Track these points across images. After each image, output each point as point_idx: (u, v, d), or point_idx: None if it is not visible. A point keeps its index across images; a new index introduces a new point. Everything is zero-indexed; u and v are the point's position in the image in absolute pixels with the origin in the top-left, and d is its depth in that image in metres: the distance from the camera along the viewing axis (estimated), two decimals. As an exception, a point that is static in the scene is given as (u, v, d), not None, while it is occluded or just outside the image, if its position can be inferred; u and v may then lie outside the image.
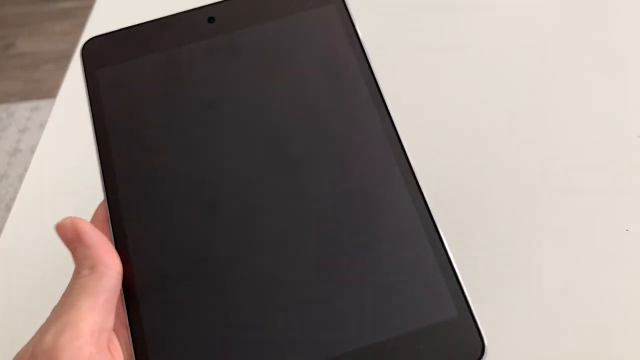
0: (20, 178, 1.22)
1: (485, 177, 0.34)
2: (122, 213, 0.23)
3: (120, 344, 0.21)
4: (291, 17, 0.25)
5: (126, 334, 0.22)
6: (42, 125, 1.31)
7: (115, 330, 0.21)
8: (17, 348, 0.20)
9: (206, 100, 0.24)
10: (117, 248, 0.22)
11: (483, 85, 0.40)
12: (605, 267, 0.29)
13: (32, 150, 1.27)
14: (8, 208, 1.17)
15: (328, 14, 0.25)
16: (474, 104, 0.39)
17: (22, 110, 1.36)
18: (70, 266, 0.22)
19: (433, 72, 0.41)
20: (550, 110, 0.38)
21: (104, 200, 0.23)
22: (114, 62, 0.25)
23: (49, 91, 1.36)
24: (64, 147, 0.41)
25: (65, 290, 0.21)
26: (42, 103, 1.36)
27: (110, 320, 0.21)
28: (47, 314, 0.21)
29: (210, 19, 0.25)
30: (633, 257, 0.30)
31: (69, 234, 0.22)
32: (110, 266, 0.21)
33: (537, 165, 0.35)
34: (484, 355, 0.20)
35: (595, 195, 0.33)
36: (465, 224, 0.31)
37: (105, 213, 0.23)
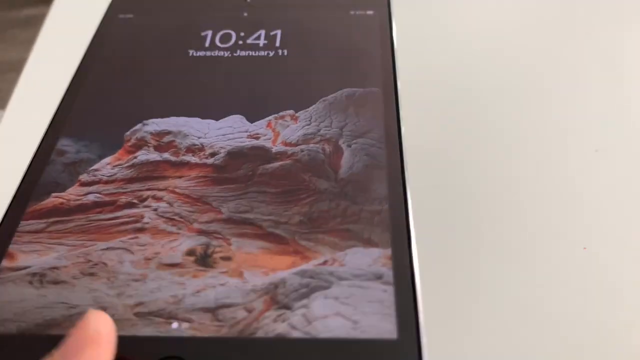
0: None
1: (439, 191, 0.33)
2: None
3: None
4: (329, 12, 0.27)
5: None
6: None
7: None
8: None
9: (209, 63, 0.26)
10: None
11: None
12: (562, 286, 0.29)
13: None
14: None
15: (368, 18, 0.27)
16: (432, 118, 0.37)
17: None
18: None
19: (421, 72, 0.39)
20: (507, 124, 0.37)
21: None
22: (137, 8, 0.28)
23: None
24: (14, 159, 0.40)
25: None
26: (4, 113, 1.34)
27: None
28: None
29: None
30: (590, 275, 0.29)
31: None
32: None
33: (494, 181, 0.34)
34: None
35: (553, 213, 0.32)
36: (418, 231, 0.29)
37: None
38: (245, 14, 0.27)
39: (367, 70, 0.25)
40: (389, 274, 0.18)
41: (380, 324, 0.17)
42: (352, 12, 0.27)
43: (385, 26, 0.26)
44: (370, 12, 0.27)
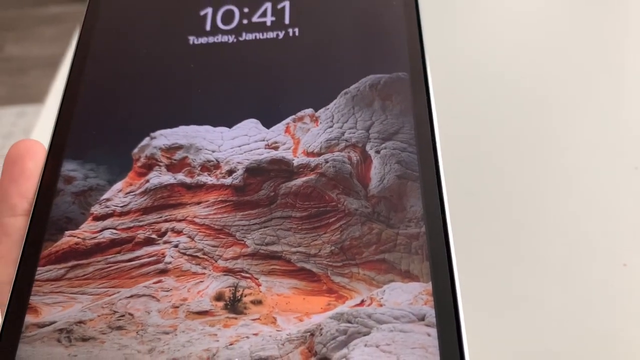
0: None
1: (480, 204, 0.33)
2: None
3: None
4: None
5: None
6: (27, 131, 1.26)
7: None
8: None
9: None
10: None
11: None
12: (602, 302, 0.29)
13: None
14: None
15: None
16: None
17: (7, 115, 1.31)
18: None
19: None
20: (545, 140, 0.36)
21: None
22: None
23: (36, 97, 1.28)
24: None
25: None
26: (29, 109, 1.29)
27: None
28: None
29: None
30: (631, 292, 0.29)
31: None
32: None
33: (533, 196, 0.34)
34: None
35: (593, 229, 0.32)
36: (459, 256, 0.29)
37: None
38: None
39: (391, 49, 0.22)
40: (431, 313, 0.17)
41: None
42: None
43: None
44: None
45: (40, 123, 0.40)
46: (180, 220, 0.19)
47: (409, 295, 0.17)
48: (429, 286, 0.17)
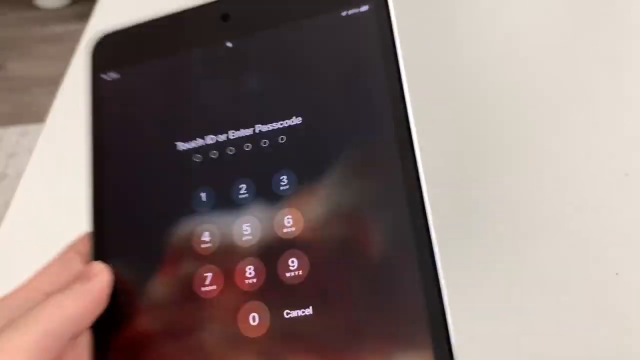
0: (7, 204, 1.16)
1: (471, 216, 0.33)
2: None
3: None
4: (317, 20, 0.22)
5: None
6: (30, 150, 1.30)
7: None
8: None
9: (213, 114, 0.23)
10: None
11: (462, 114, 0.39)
12: (595, 312, 0.29)
13: (20, 176, 1.26)
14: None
15: (364, 17, 0.21)
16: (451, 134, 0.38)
17: (10, 134, 1.32)
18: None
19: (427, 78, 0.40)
20: (537, 147, 0.37)
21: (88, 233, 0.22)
22: (121, 65, 0.24)
23: (39, 115, 1.31)
24: (51, 174, 0.40)
25: None
26: (31, 127, 1.33)
27: None
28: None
29: (225, 17, 0.23)
30: (623, 300, 0.29)
31: None
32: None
33: (524, 205, 0.34)
34: None
35: (585, 238, 0.32)
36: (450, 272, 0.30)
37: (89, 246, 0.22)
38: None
39: None
40: None
41: None
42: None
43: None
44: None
45: (41, 142, 0.39)
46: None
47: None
48: None
